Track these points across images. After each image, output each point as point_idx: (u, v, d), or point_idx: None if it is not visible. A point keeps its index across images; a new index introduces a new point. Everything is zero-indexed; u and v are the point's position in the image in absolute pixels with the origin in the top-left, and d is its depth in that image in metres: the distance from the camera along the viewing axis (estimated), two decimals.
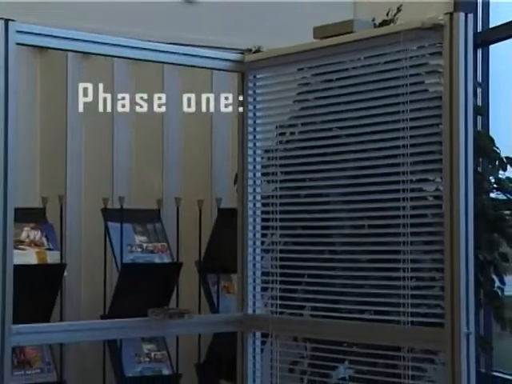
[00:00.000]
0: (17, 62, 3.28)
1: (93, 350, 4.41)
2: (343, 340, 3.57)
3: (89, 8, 4.57)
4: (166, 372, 4.40)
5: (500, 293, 4.04)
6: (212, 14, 4.89)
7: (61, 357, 4.27)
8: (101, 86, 4.51)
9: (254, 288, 3.89)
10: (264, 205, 3.89)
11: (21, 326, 3.29)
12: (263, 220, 3.88)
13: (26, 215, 4.06)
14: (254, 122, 3.91)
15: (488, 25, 4.67)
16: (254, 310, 3.89)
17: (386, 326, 3.40)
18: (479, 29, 4.61)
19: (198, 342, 4.49)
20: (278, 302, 3.78)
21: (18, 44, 3.28)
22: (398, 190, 3.37)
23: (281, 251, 3.79)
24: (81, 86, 4.33)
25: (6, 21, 3.23)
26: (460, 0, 4.68)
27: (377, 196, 3.46)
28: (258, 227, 3.89)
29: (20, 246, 4.07)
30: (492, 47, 4.64)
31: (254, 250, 3.89)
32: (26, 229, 4.16)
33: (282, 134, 3.90)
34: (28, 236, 4.16)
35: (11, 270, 3.23)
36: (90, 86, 4.48)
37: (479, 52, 4.58)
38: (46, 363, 4.20)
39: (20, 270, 3.31)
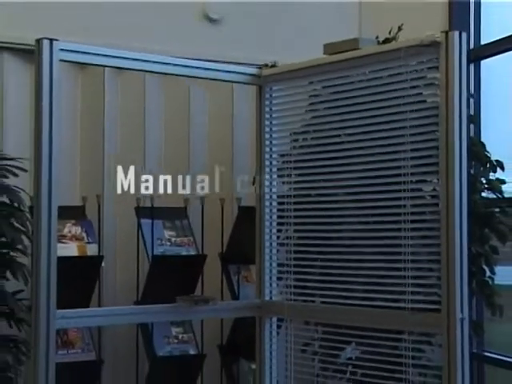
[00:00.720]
0: (60, 76, 3.31)
1: (127, 332, 4.42)
2: (350, 324, 3.57)
3: (123, 27, 4.58)
4: (192, 352, 4.41)
5: (490, 282, 4.03)
6: (232, 32, 4.89)
7: (99, 338, 4.29)
8: (133, 96, 4.56)
9: (271, 277, 3.89)
10: (279, 203, 3.89)
11: (64, 310, 3.31)
12: (279, 217, 3.89)
13: (68, 212, 4.08)
14: (271, 129, 3.91)
15: (480, 42, 4.65)
16: (271, 297, 3.89)
17: (388, 312, 3.41)
18: (472, 46, 4.59)
19: (220, 325, 4.50)
20: (292, 290, 3.79)
21: (61, 61, 3.30)
22: (399, 190, 3.37)
23: (294, 245, 3.79)
24: (117, 97, 4.37)
25: (51, 40, 3.26)
26: (455, 19, 4.66)
27: (380, 195, 3.46)
28: (274, 223, 3.90)
29: (63, 240, 4.09)
30: (483, 62, 4.62)
31: (271, 244, 3.90)
32: (67, 225, 4.18)
33: (296, 140, 3.90)
34: (70, 231, 4.18)
35: (55, 262, 3.25)
36: (124, 97, 4.52)
37: (472, 66, 4.56)
38: (86, 344, 4.22)
39: (63, 261, 3.32)
